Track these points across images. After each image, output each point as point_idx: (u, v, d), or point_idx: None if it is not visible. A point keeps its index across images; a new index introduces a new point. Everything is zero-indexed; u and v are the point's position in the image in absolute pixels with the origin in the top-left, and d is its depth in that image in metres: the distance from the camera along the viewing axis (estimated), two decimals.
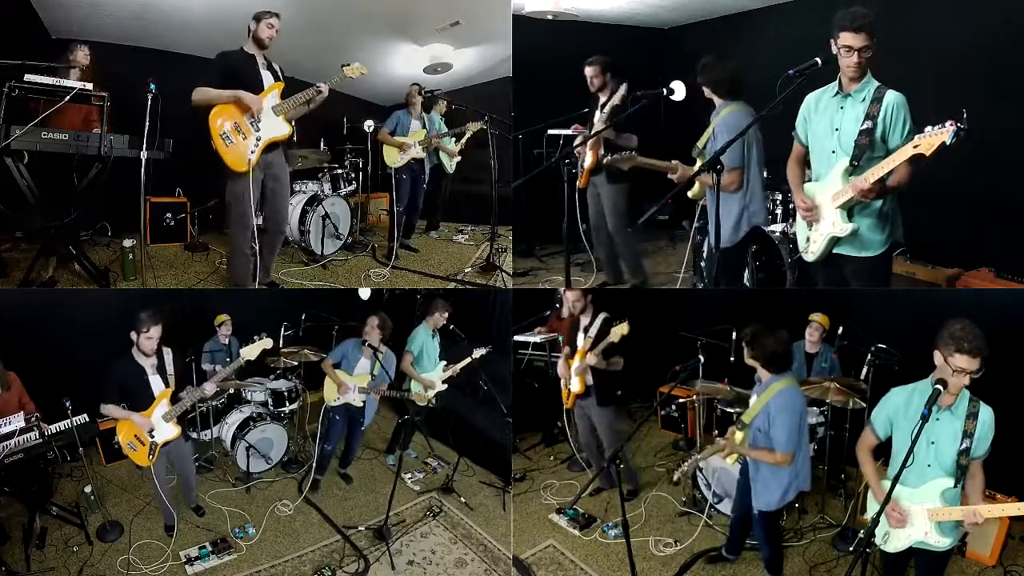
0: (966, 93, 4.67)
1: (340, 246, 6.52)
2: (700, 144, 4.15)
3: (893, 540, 3.06)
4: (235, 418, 5.45)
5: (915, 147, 2.92)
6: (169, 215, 6.24)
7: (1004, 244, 4.58)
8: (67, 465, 5.10)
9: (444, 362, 5.55)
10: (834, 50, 3.15)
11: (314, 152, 6.93)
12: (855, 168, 3.16)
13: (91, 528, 4.43)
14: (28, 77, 4.20)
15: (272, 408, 5.70)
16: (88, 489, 4.62)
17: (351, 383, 5.16)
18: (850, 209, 3.23)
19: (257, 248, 4.56)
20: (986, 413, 2.92)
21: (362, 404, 5.23)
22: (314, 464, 5.30)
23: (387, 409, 6.80)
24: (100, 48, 5.08)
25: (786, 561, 4.21)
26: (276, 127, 4.39)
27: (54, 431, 4.29)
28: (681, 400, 5.75)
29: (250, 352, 4.43)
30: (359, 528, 4.77)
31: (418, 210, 6.74)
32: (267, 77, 4.46)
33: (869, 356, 4.33)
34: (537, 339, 5.97)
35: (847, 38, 3.08)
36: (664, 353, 4.86)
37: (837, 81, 3.25)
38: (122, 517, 4.63)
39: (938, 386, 2.81)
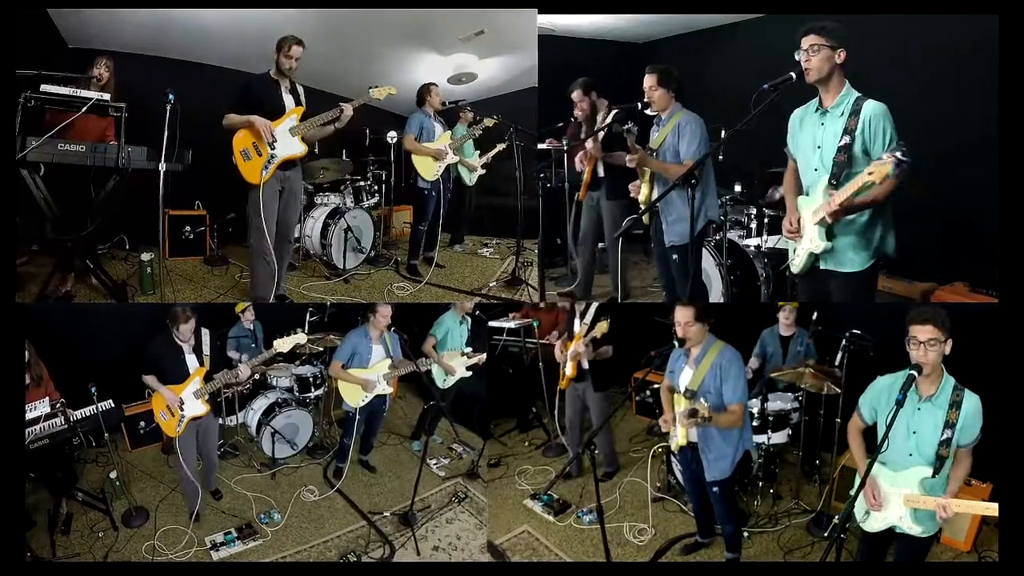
0: (937, 108, 4.44)
1: (362, 260, 5.90)
2: (654, 146, 3.88)
3: (871, 520, 2.77)
4: (260, 404, 5.12)
5: (869, 174, 2.61)
6: (188, 228, 5.80)
7: (977, 258, 4.25)
8: (92, 451, 4.81)
9: (470, 348, 5.14)
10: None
11: (336, 164, 6.22)
12: (834, 186, 2.84)
13: (116, 514, 4.13)
14: (44, 87, 3.83)
15: (297, 394, 5.33)
16: (113, 475, 4.33)
17: (374, 376, 4.65)
18: (829, 227, 2.90)
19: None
20: (970, 402, 2.62)
21: (389, 391, 4.80)
22: (337, 455, 4.90)
23: (413, 395, 6.42)
24: (117, 58, 4.65)
25: (761, 547, 3.91)
26: (291, 147, 4.21)
27: (79, 417, 4.02)
28: (656, 385, 5.20)
29: (283, 345, 4.15)
30: (384, 514, 4.43)
31: (440, 223, 5.85)
32: (289, 101, 4.26)
33: (844, 342, 3.99)
34: (512, 324, 5.59)
35: (804, 41, 2.83)
36: (639, 339, 4.57)
37: (818, 97, 2.94)
38: (147, 503, 4.34)
39: (912, 372, 2.54)
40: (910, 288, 4.59)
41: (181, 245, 5.75)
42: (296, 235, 5.28)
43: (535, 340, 5.53)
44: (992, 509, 2.62)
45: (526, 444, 5.55)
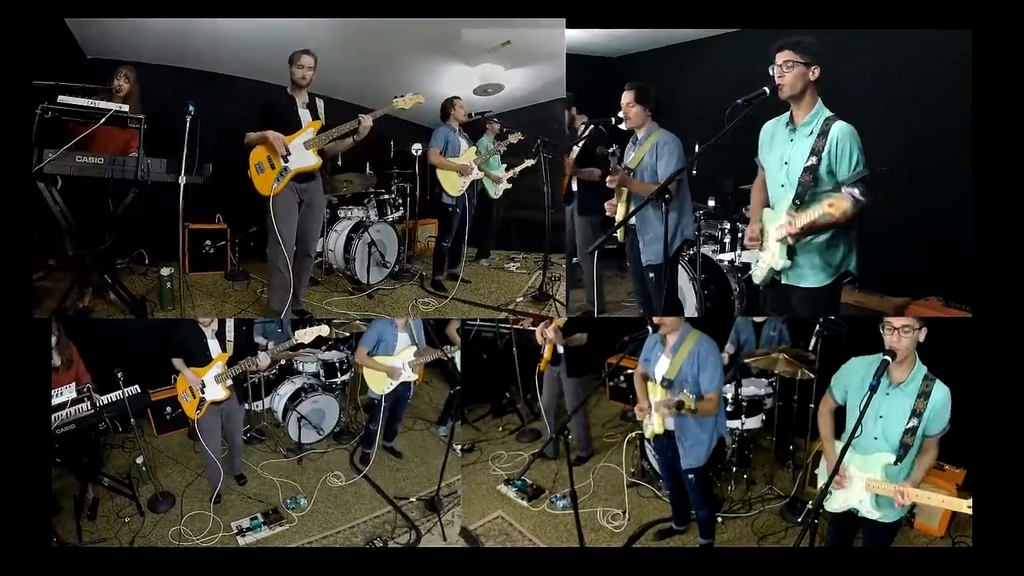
0: (914, 124, 4.14)
1: (386, 274, 5.30)
2: (632, 165, 3.57)
3: (832, 500, 2.62)
4: (287, 389, 4.80)
5: (829, 206, 2.37)
6: (208, 242, 5.27)
7: (951, 273, 3.89)
8: (119, 436, 4.53)
9: None
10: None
11: (359, 177, 5.69)
12: (798, 205, 2.57)
13: (142, 499, 3.88)
14: (61, 98, 3.45)
15: (323, 379, 5.00)
16: (140, 460, 4.05)
17: (399, 363, 4.34)
18: (791, 246, 2.64)
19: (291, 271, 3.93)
20: (940, 392, 2.43)
21: (414, 378, 4.47)
22: (363, 441, 4.62)
23: (439, 380, 6.06)
24: (136, 68, 4.17)
25: (734, 532, 3.65)
26: (305, 159, 3.82)
27: (106, 402, 3.77)
28: (629, 371, 4.81)
29: (304, 336, 3.83)
30: (411, 499, 4.11)
31: (465, 239, 5.26)
32: (305, 116, 3.86)
33: (817, 327, 3.74)
34: None
35: (778, 57, 2.56)
36: (614, 326, 4.33)
37: (789, 112, 2.65)
38: (173, 488, 4.07)
39: (886, 357, 2.38)
40: (883, 303, 4.27)
41: (201, 260, 5.24)
42: (319, 249, 4.86)
43: (508, 325, 5.18)
44: (952, 504, 2.45)
45: (500, 429, 5.21)
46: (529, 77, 6.10)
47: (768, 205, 2.82)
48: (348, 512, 4.01)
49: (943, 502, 2.49)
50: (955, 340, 2.84)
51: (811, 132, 2.61)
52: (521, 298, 5.06)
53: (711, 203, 4.61)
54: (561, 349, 4.29)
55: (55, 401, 3.61)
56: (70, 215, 3.70)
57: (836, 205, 2.37)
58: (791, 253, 2.68)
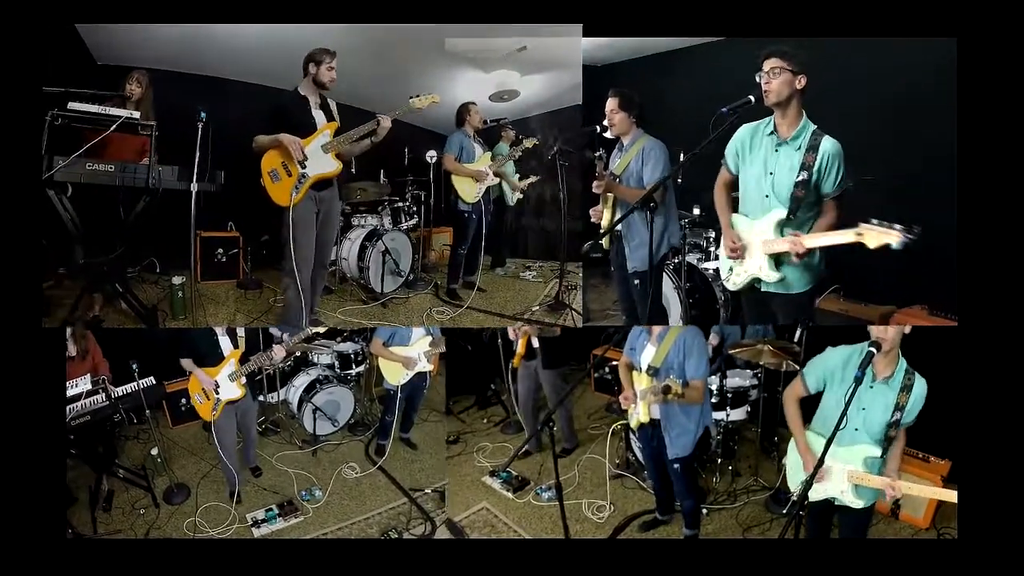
0: (898, 131, 3.95)
1: (401, 283, 4.93)
2: (617, 172, 3.39)
3: (809, 490, 2.40)
4: (302, 380, 4.60)
5: (858, 235, 2.20)
6: (220, 251, 4.95)
7: (936, 282, 3.70)
8: (134, 427, 4.40)
9: None
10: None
11: (373, 185, 5.26)
12: (790, 220, 2.48)
13: (157, 490, 3.74)
14: (72, 105, 3.22)
15: (338, 370, 4.79)
16: (155, 451, 3.91)
17: (414, 353, 4.16)
18: (778, 257, 2.54)
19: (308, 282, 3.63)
20: (920, 386, 2.37)
21: (430, 368, 4.27)
22: (378, 433, 4.43)
23: None
24: (148, 73, 3.95)
25: (719, 523, 3.51)
26: (324, 164, 3.41)
27: (121, 393, 3.60)
28: (614, 363, 4.36)
29: (319, 326, 3.67)
30: (425, 491, 3.95)
31: (481, 246, 4.92)
32: (320, 117, 3.46)
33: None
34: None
35: (765, 64, 2.45)
36: None
37: (772, 120, 2.51)
38: (189, 480, 3.93)
39: (871, 348, 2.28)
40: (867, 311, 4.05)
41: (213, 268, 4.91)
42: (332, 258, 4.62)
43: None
44: (941, 494, 2.44)
45: (484, 421, 5.02)
46: (545, 84, 5.83)
47: (735, 210, 2.72)
48: (363, 504, 3.85)
49: (935, 493, 2.48)
50: (941, 344, 2.75)
51: (800, 146, 2.49)
52: (537, 307, 4.72)
53: (696, 211, 4.37)
54: (536, 342, 4.09)
55: (70, 392, 3.45)
56: (80, 223, 3.50)
57: (871, 236, 2.22)
58: (778, 264, 2.57)
